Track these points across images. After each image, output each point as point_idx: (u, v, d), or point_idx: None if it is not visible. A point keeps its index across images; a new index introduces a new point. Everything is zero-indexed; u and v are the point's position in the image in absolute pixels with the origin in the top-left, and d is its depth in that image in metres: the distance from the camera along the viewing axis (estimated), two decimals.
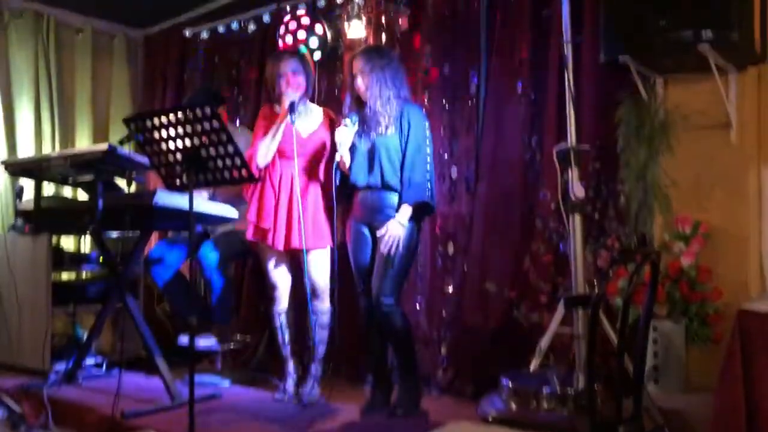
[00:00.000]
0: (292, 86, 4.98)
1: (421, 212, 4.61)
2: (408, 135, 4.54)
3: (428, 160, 4.58)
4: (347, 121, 4.64)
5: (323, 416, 4.65)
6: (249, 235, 4.99)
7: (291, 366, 5.18)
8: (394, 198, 4.58)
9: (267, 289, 5.20)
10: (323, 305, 5.09)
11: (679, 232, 4.23)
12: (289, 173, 4.91)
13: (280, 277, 5.12)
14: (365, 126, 4.66)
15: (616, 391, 3.25)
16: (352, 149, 4.68)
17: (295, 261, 5.13)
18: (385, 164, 4.57)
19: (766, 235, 4.23)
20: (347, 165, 4.66)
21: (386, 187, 4.59)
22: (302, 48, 5.95)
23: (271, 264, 5.09)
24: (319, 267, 5.01)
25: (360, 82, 4.66)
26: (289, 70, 5.01)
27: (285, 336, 5.15)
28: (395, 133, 4.57)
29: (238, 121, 6.87)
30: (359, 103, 4.72)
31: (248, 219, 4.96)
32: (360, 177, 4.65)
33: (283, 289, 5.14)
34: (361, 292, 4.77)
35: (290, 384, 5.12)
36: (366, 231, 4.70)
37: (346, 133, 4.61)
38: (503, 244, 5.13)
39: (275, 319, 5.16)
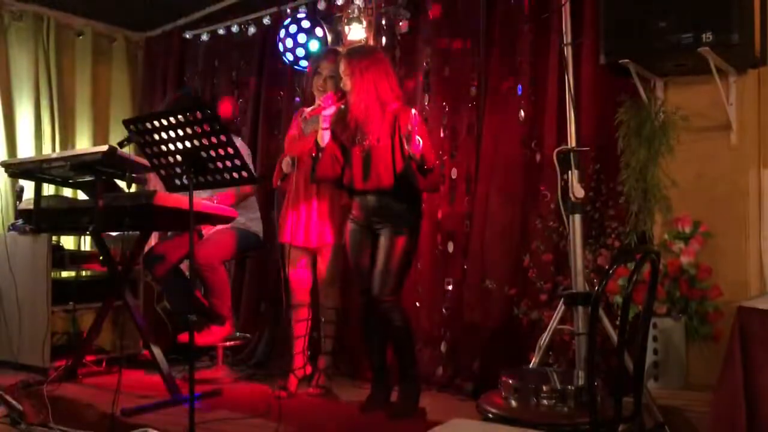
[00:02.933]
0: (321, 90, 5.13)
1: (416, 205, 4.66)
2: (402, 134, 4.53)
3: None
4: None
5: (323, 413, 4.67)
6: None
7: (298, 361, 5.20)
8: (394, 202, 4.58)
9: (287, 286, 5.25)
10: (330, 301, 5.18)
11: (679, 232, 4.25)
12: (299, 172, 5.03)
13: (294, 272, 5.19)
14: (357, 131, 4.66)
15: (616, 389, 3.25)
16: (348, 155, 4.68)
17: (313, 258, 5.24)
18: (384, 170, 4.56)
19: (766, 234, 4.25)
20: (321, 134, 4.66)
21: (383, 190, 4.58)
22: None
23: (293, 262, 5.18)
24: (326, 262, 5.12)
25: (342, 85, 4.69)
26: (327, 73, 5.12)
27: (294, 331, 5.20)
28: (389, 139, 4.57)
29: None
30: (346, 107, 4.72)
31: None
32: (356, 181, 4.65)
33: (296, 285, 5.20)
34: (360, 290, 4.77)
35: (292, 380, 5.14)
36: (365, 232, 4.70)
37: (334, 98, 4.65)
38: (503, 243, 5.16)
39: (288, 313, 5.24)
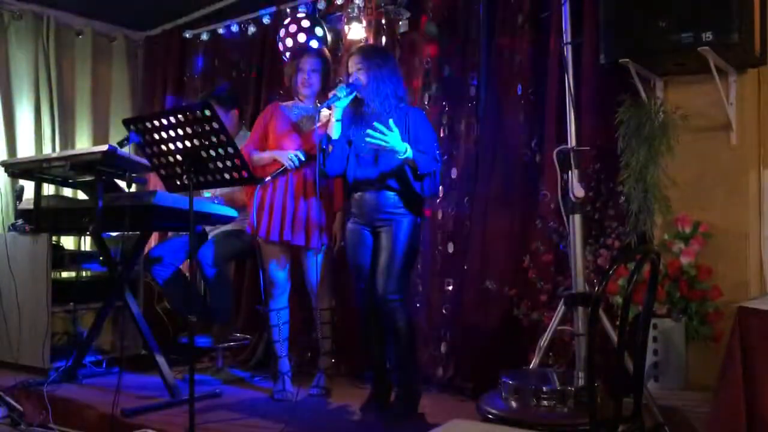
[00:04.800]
0: (307, 85, 5.14)
1: (418, 202, 4.63)
2: (412, 136, 4.54)
3: (437, 159, 4.58)
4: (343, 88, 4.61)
5: (322, 414, 4.68)
6: (250, 230, 5.05)
7: (286, 364, 5.18)
8: (396, 198, 4.56)
9: (266, 286, 5.18)
10: (323, 302, 5.16)
11: (679, 232, 4.25)
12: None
13: (279, 274, 5.13)
14: (366, 125, 4.64)
15: (616, 389, 3.25)
16: (355, 149, 4.67)
17: (296, 259, 5.18)
18: (389, 164, 4.54)
19: (766, 235, 4.24)
20: (332, 127, 4.60)
21: (387, 187, 4.57)
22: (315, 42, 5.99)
23: (271, 261, 5.11)
24: (320, 264, 5.07)
25: (352, 79, 4.66)
26: (309, 68, 5.10)
27: (283, 334, 5.16)
28: (398, 135, 4.55)
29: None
30: (357, 102, 4.69)
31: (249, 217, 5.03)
32: (362, 176, 4.62)
33: (281, 287, 5.15)
34: (359, 291, 4.73)
35: (287, 382, 5.12)
36: (365, 231, 4.67)
37: (345, 91, 4.56)
38: (503, 244, 5.13)
39: (272, 316, 5.16)
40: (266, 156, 5.04)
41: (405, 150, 4.34)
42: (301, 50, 5.51)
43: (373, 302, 4.56)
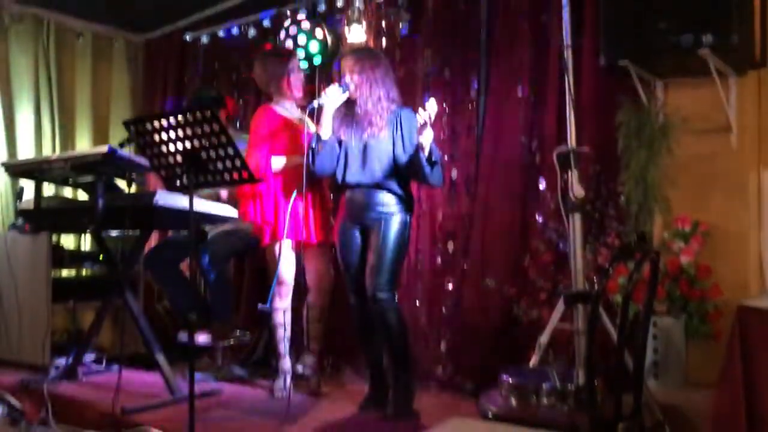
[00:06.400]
0: (298, 86, 5.18)
1: (407, 200, 4.65)
2: (405, 135, 4.57)
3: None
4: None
5: (321, 412, 4.67)
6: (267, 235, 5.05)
7: (289, 363, 5.18)
8: (385, 196, 4.57)
9: (276, 285, 5.11)
10: (317, 300, 5.20)
11: (679, 231, 4.26)
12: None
13: (290, 273, 5.12)
14: (356, 126, 4.66)
15: (616, 388, 3.26)
16: (345, 149, 4.68)
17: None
18: (378, 164, 4.56)
19: (766, 235, 4.26)
20: (323, 127, 4.60)
21: (378, 186, 4.58)
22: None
23: (285, 260, 5.06)
24: (316, 261, 5.15)
25: (346, 81, 4.68)
26: (297, 67, 5.16)
27: (287, 333, 5.15)
28: (388, 136, 4.58)
29: (237, 124, 6.88)
30: (349, 104, 4.70)
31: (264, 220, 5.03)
32: (351, 175, 4.64)
33: (290, 286, 5.15)
34: (351, 291, 4.74)
35: (288, 380, 5.11)
36: (355, 230, 4.68)
37: (337, 91, 4.60)
38: (503, 243, 5.16)
39: (279, 315, 5.11)
40: (297, 160, 5.00)
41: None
42: (288, 51, 5.51)
43: (365, 300, 4.58)
